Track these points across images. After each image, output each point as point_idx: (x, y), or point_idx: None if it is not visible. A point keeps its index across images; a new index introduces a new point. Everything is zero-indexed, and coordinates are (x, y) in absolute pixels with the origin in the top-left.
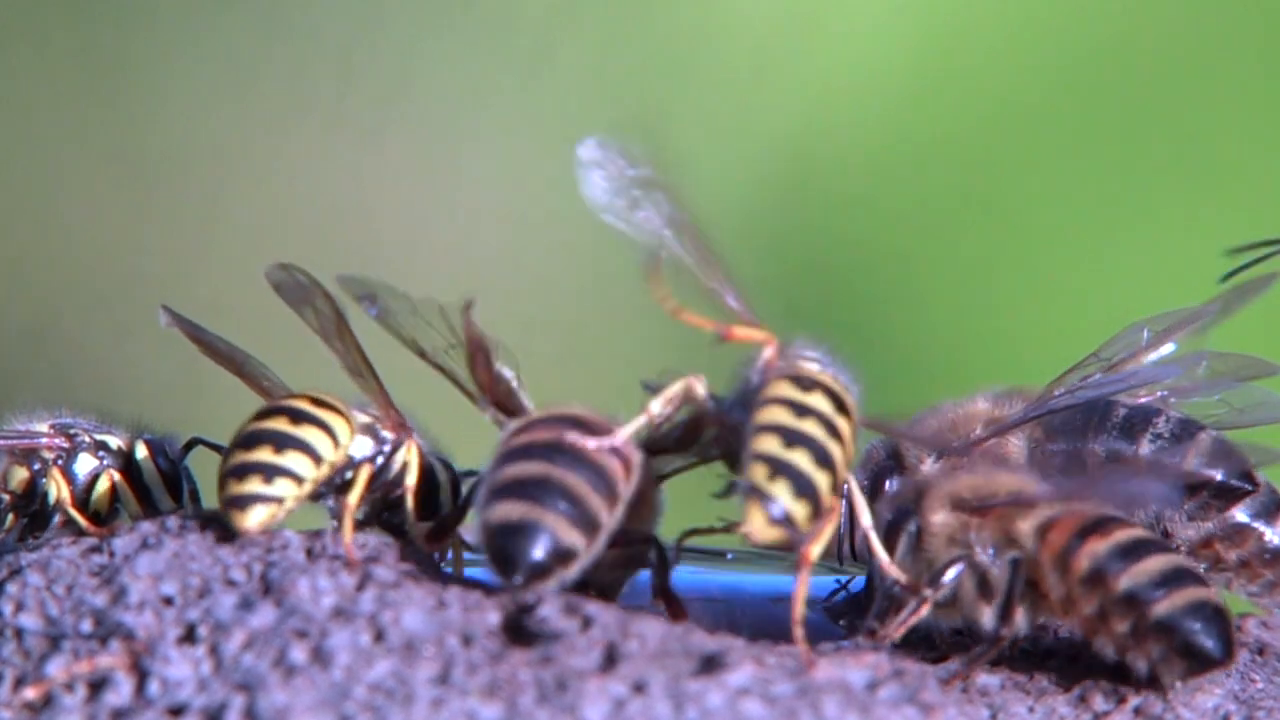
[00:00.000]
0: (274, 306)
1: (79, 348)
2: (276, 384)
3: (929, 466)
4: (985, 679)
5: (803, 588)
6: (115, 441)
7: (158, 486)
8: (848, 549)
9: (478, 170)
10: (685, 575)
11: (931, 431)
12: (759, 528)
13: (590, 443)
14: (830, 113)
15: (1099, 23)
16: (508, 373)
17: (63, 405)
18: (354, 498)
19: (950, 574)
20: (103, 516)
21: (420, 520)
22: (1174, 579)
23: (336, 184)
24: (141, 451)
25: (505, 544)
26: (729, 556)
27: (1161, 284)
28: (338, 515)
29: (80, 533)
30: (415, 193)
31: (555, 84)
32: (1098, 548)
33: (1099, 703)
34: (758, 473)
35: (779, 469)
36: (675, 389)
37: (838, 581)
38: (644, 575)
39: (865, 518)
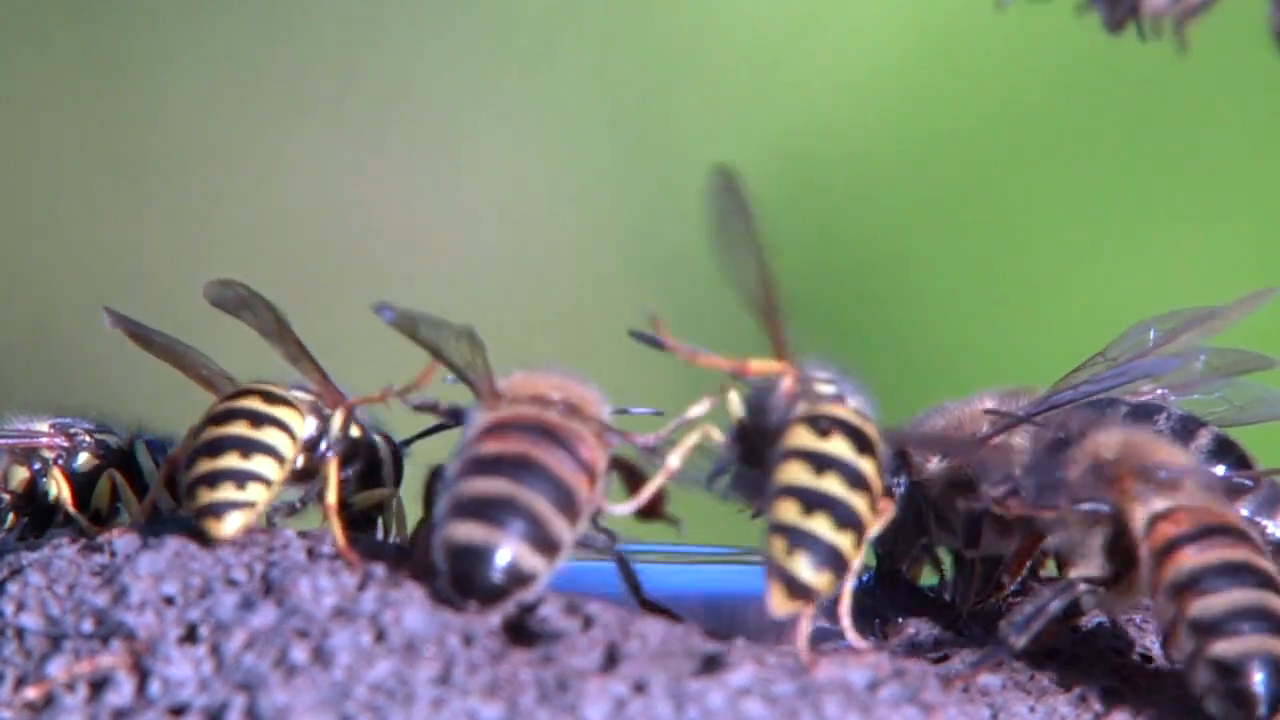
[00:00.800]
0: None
1: (79, 348)
2: (216, 372)
3: (935, 466)
4: (986, 678)
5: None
6: (115, 441)
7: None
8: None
9: (478, 170)
10: (686, 575)
11: (938, 433)
12: (780, 604)
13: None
14: (830, 112)
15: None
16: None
17: (63, 405)
18: (332, 496)
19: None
20: (103, 516)
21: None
22: (1248, 618)
23: (336, 184)
24: (141, 452)
25: (464, 567)
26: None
27: (1162, 283)
28: (323, 516)
29: (81, 532)
30: (415, 193)
31: (555, 84)
32: (1189, 561)
33: (1099, 703)
34: (777, 547)
35: (798, 541)
36: (691, 441)
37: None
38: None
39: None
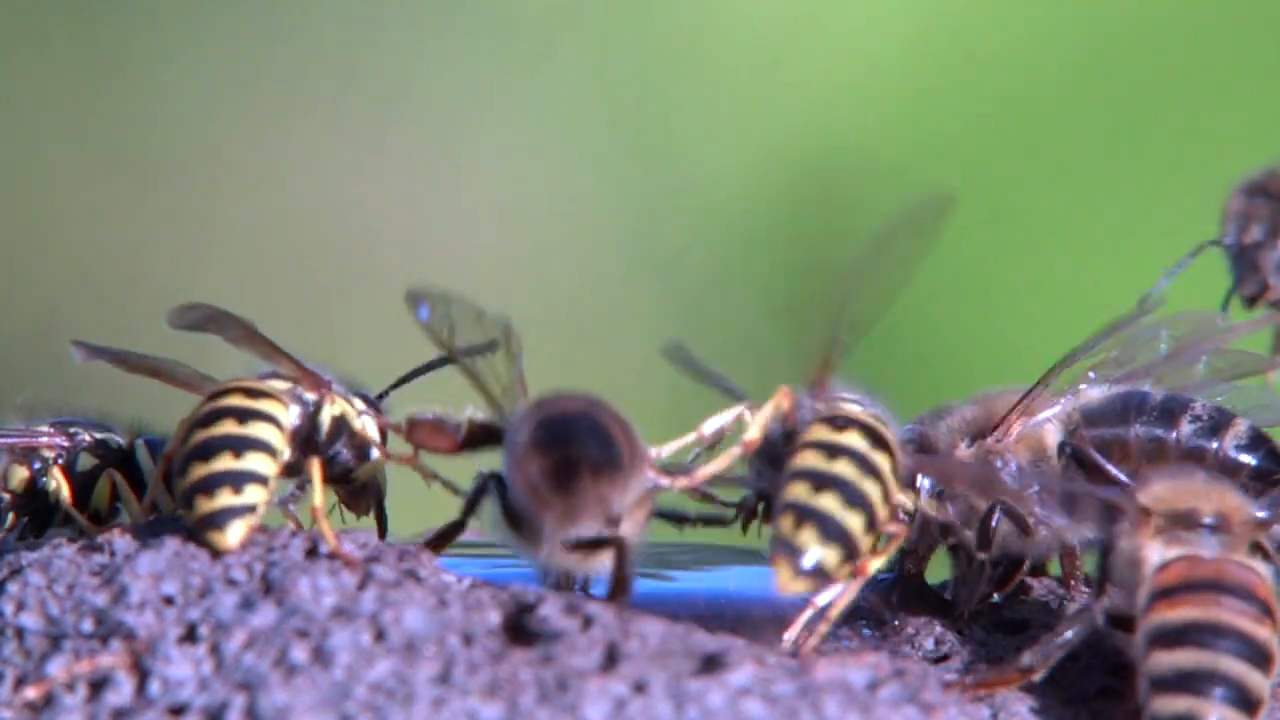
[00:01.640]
0: (274, 306)
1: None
2: (195, 375)
3: (963, 451)
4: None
5: (846, 598)
6: (115, 441)
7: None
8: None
9: (478, 170)
10: (686, 576)
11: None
12: (786, 581)
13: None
14: (831, 112)
15: (1100, 22)
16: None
17: (63, 405)
18: (319, 498)
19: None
20: (103, 516)
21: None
22: (1192, 682)
23: (336, 184)
24: (142, 451)
25: None
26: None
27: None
28: (311, 519)
29: (81, 532)
30: (415, 193)
31: (555, 84)
32: (1160, 615)
33: (1099, 703)
34: (784, 524)
35: (805, 516)
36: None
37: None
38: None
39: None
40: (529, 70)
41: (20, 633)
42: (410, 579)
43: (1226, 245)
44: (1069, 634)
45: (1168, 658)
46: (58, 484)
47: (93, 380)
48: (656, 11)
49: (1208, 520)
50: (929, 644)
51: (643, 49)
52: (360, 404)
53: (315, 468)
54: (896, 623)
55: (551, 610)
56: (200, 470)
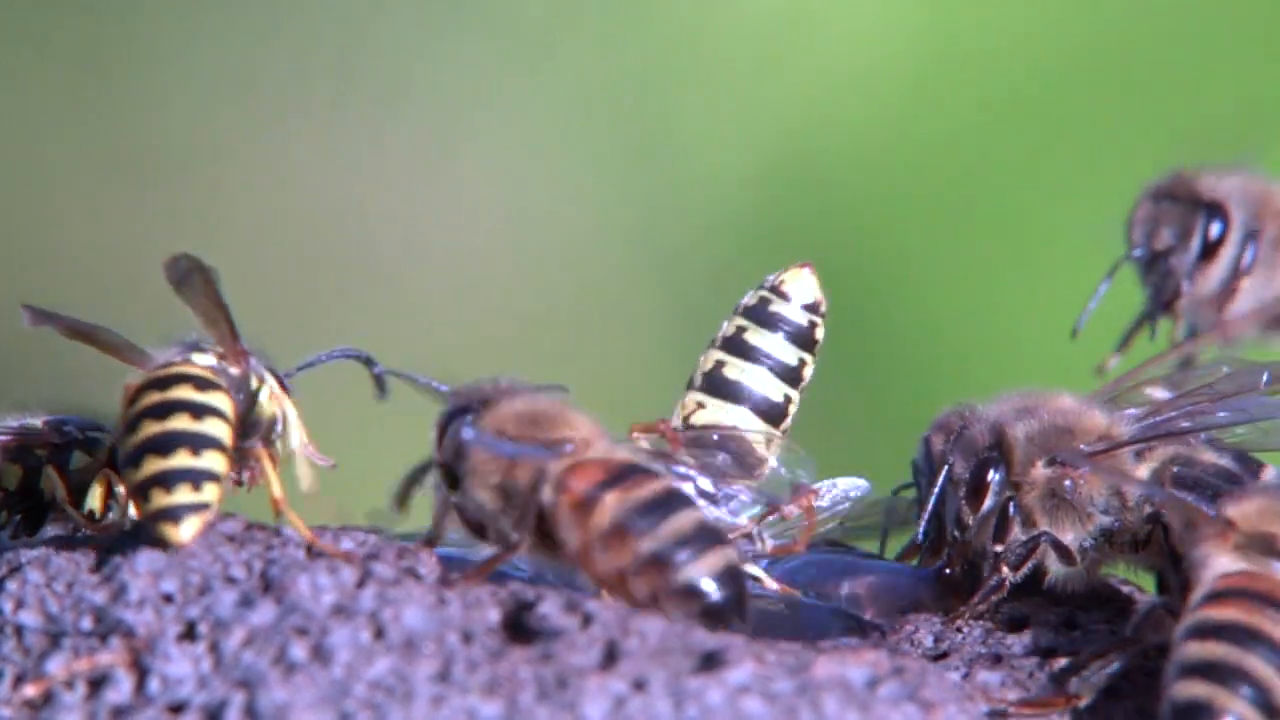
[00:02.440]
0: (274, 306)
1: (79, 347)
2: (125, 343)
3: (1041, 470)
4: (985, 675)
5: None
6: (107, 439)
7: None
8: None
9: (478, 170)
10: None
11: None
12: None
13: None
14: (831, 111)
15: (1101, 20)
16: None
17: (55, 403)
18: (277, 489)
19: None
20: (97, 515)
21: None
22: (1219, 673)
23: (336, 184)
24: None
25: None
26: None
27: None
28: (277, 514)
29: (77, 530)
30: (415, 193)
31: (555, 84)
32: (1205, 612)
33: (1100, 702)
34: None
35: None
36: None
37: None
38: None
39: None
40: (529, 70)
41: (19, 630)
42: (409, 577)
43: (1137, 257)
44: (1117, 664)
45: (1200, 648)
46: (53, 482)
47: (92, 381)
48: (656, 11)
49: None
50: (928, 641)
51: (643, 49)
52: (274, 382)
53: (266, 458)
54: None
55: (551, 608)
56: (158, 464)
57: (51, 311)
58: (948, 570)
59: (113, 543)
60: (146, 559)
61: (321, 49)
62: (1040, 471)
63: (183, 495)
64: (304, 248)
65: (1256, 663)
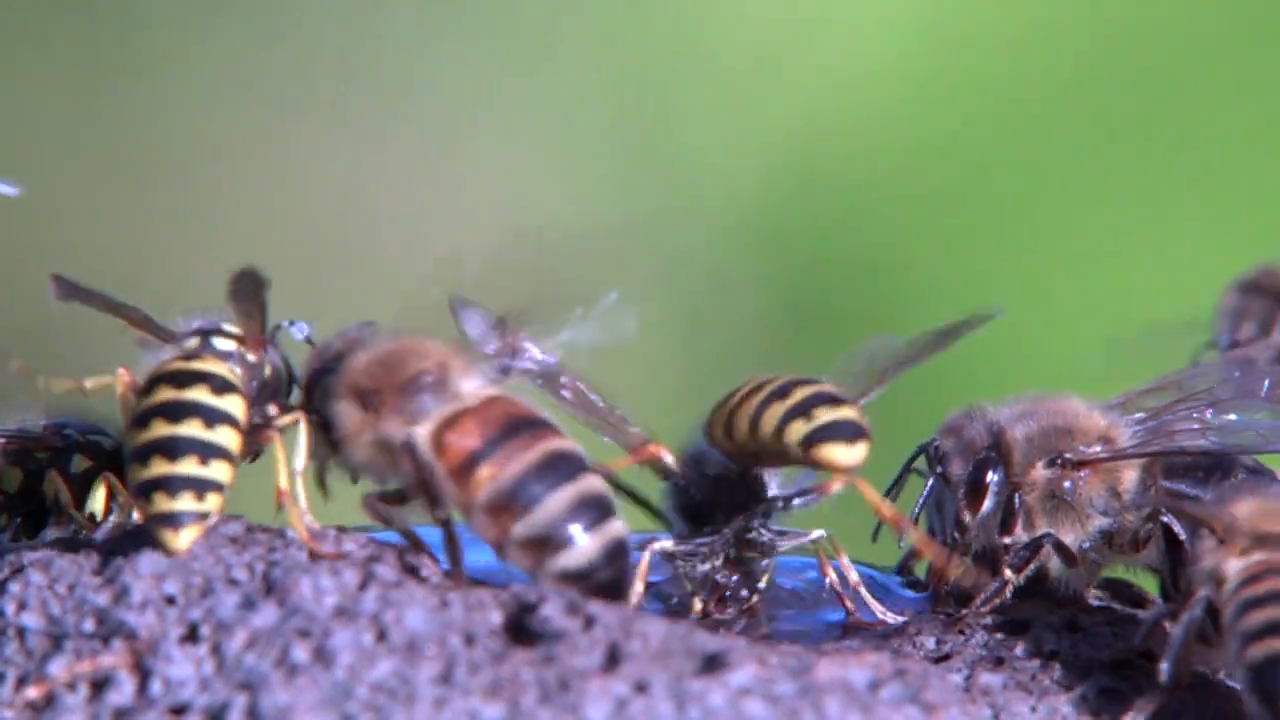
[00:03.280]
0: (274, 306)
1: (79, 348)
2: (159, 325)
3: (1040, 472)
4: (988, 678)
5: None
6: (108, 442)
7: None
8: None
9: (478, 170)
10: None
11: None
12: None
13: None
14: (832, 112)
15: (1102, 22)
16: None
17: (55, 406)
18: (284, 480)
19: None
20: (99, 518)
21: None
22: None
23: (336, 184)
24: None
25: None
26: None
27: (1163, 283)
28: (279, 507)
29: (79, 532)
30: (415, 193)
31: (555, 84)
32: (1248, 591)
33: (1099, 703)
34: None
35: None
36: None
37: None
38: None
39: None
40: (529, 70)
41: (22, 632)
42: (412, 578)
43: (1221, 344)
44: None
45: (1259, 614)
46: (56, 485)
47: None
48: (656, 11)
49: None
50: (930, 643)
51: (643, 49)
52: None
53: (279, 445)
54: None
55: (553, 610)
56: (165, 468)
57: (79, 284)
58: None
59: (115, 545)
60: (149, 561)
61: (322, 49)
62: (1040, 472)
63: (185, 503)
64: (304, 248)
65: None
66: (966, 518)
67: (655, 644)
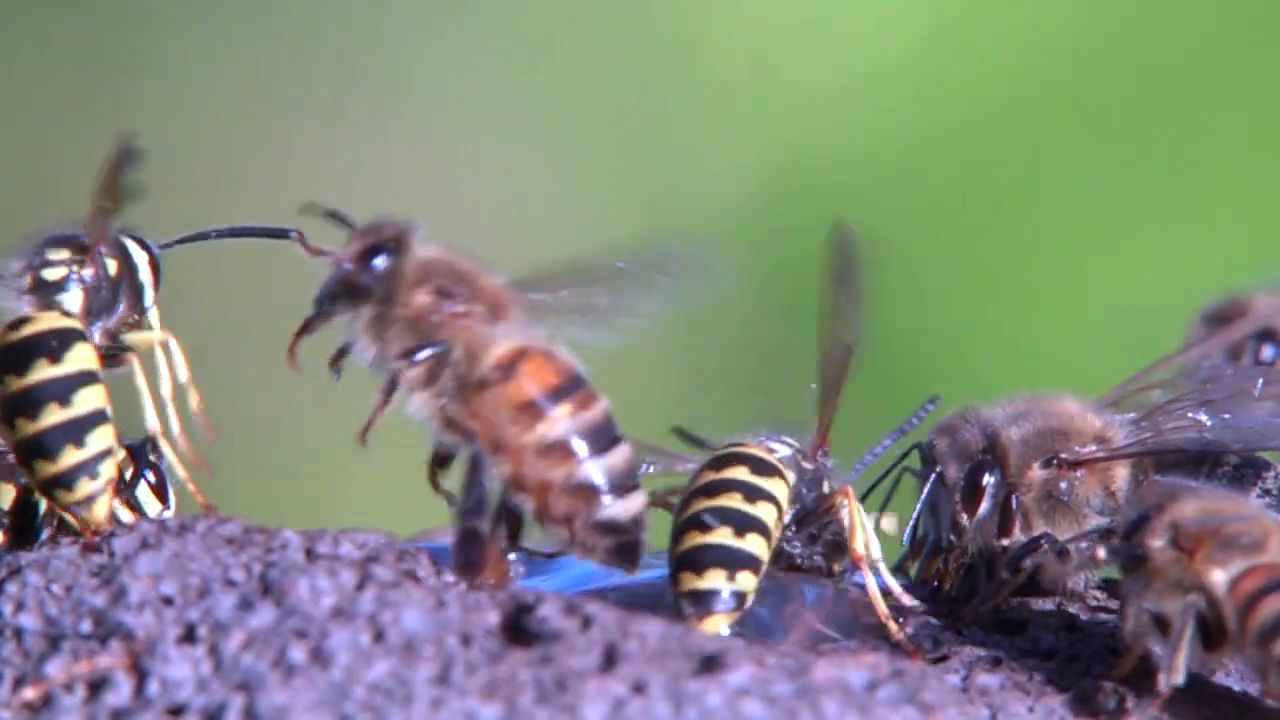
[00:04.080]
0: (274, 306)
1: None
2: None
3: (1036, 473)
4: (985, 678)
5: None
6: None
7: (144, 492)
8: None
9: (478, 170)
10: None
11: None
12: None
13: None
14: (831, 113)
15: (1100, 23)
16: None
17: None
18: (154, 419)
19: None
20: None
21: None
22: None
23: (337, 184)
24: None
25: None
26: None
27: (1162, 283)
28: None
29: (78, 535)
30: (415, 193)
31: (555, 84)
32: (1270, 608)
33: (1099, 703)
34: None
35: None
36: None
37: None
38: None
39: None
40: (529, 70)
41: (19, 633)
42: (409, 579)
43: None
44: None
45: (1268, 606)
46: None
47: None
48: (656, 11)
49: (1248, 541)
50: (928, 644)
51: (643, 49)
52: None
53: (138, 368)
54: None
55: (550, 611)
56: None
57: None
58: (940, 585)
59: (113, 546)
60: (146, 562)
61: (322, 49)
62: (1036, 474)
63: (84, 489)
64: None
65: None
66: (963, 520)
67: (652, 644)
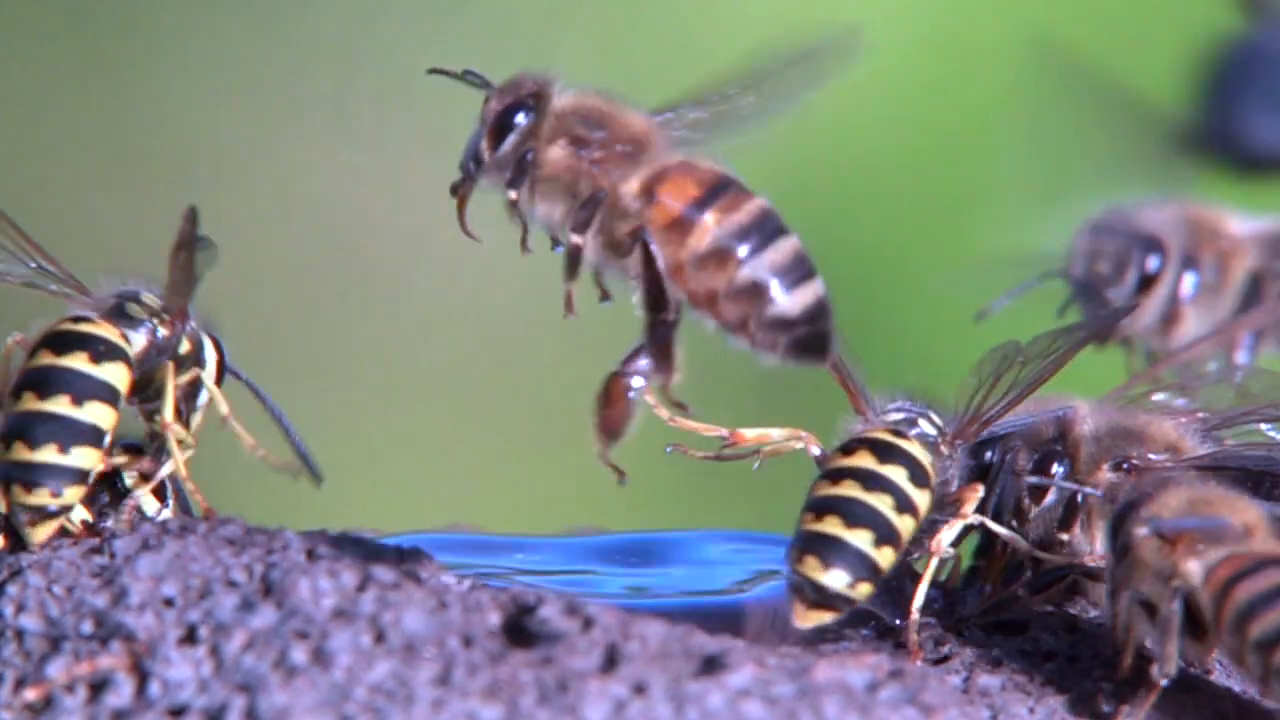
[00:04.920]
0: (275, 306)
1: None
2: (78, 283)
3: (1106, 474)
4: (986, 679)
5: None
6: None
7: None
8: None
9: None
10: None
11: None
12: (801, 615)
13: None
14: (831, 113)
15: (1100, 23)
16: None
17: None
18: (169, 412)
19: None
20: (92, 524)
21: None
22: None
23: (337, 184)
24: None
25: None
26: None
27: None
28: (157, 443)
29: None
30: (415, 193)
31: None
32: (1242, 594)
33: (1100, 703)
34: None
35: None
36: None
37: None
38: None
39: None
40: (528, 70)
41: (20, 634)
42: (410, 580)
43: (1073, 278)
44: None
45: (1241, 593)
46: None
47: None
48: (656, 12)
49: (1236, 531)
50: (929, 645)
51: (643, 49)
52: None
53: (168, 378)
54: (897, 623)
55: (551, 611)
56: (24, 454)
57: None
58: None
59: (114, 546)
60: (147, 563)
61: (322, 49)
62: (1105, 475)
63: (41, 497)
64: (305, 248)
65: None
66: (1029, 506)
67: (654, 645)
